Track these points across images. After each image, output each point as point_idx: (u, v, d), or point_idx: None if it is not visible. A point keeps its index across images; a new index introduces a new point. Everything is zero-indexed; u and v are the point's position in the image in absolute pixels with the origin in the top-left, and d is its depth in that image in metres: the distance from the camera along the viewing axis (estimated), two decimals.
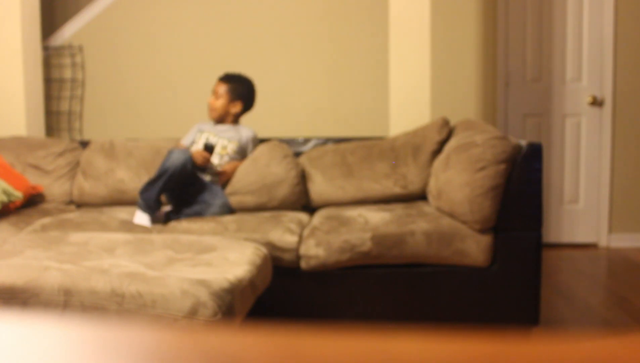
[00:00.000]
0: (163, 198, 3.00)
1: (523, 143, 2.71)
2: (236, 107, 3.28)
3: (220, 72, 4.25)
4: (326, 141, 3.47)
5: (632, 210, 4.35)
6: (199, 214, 2.96)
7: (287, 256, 2.69)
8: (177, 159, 2.88)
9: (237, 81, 3.30)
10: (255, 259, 2.22)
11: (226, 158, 3.21)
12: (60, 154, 3.49)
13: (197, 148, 3.18)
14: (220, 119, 3.30)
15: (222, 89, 3.27)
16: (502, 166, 2.62)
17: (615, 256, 4.13)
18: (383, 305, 2.72)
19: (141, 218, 2.89)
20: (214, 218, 2.93)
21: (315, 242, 2.68)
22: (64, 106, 4.30)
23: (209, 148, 3.10)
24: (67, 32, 4.25)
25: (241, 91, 3.28)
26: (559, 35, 4.34)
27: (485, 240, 2.66)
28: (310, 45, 4.22)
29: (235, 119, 3.32)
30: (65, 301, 1.86)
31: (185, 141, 3.32)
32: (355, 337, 0.42)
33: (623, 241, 4.34)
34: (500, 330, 2.69)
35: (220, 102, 3.27)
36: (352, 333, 0.42)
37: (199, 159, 3.05)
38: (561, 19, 4.33)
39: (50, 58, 4.26)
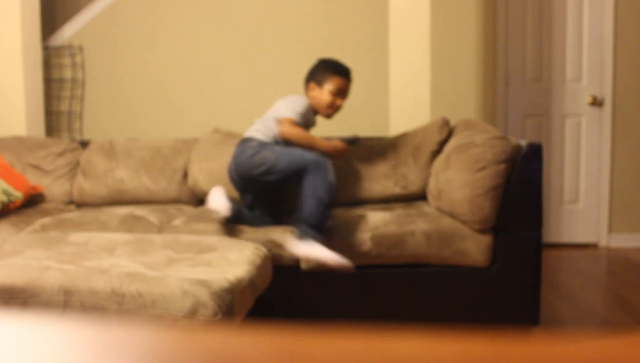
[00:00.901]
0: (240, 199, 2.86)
1: (523, 143, 2.71)
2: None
3: (220, 72, 4.27)
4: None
5: (632, 210, 4.35)
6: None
7: (288, 254, 2.68)
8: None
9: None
10: (255, 259, 2.22)
11: None
12: (60, 154, 3.49)
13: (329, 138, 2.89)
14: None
15: (349, 87, 2.91)
16: (502, 166, 2.62)
17: (615, 256, 4.13)
18: (383, 305, 2.72)
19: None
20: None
21: None
22: (64, 106, 4.30)
23: (353, 142, 2.80)
24: (67, 32, 4.25)
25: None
26: (559, 35, 4.34)
27: (485, 240, 2.66)
28: (310, 45, 4.21)
29: None
30: (65, 301, 1.86)
31: (298, 119, 2.79)
32: (355, 337, 0.42)
33: (623, 241, 4.34)
34: (500, 330, 2.69)
35: (343, 103, 2.91)
36: (352, 333, 0.42)
37: (340, 154, 2.81)
38: (561, 19, 4.33)
39: (50, 58, 4.26)
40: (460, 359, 0.38)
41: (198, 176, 3.25)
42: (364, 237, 2.67)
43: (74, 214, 3.03)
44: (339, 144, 2.77)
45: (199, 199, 3.30)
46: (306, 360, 0.39)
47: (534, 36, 4.36)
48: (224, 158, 3.12)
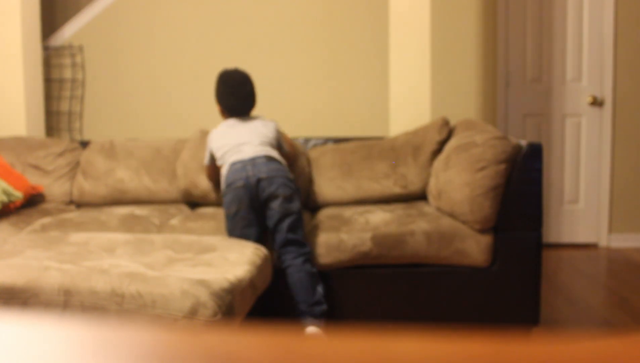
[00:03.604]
0: None
1: (523, 142, 2.71)
2: (219, 110, 2.93)
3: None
4: (326, 141, 3.47)
5: (632, 210, 4.35)
6: None
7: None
8: None
9: (217, 79, 2.92)
10: (255, 259, 2.22)
11: None
12: (60, 154, 3.49)
13: None
14: None
15: None
16: (502, 166, 2.62)
17: (615, 256, 4.13)
18: (383, 305, 2.72)
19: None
20: (215, 216, 2.92)
21: (315, 242, 2.68)
22: (64, 106, 4.30)
23: None
24: (67, 32, 4.25)
25: (215, 90, 2.91)
26: (559, 35, 4.34)
27: (485, 240, 2.66)
28: (310, 45, 4.22)
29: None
30: (65, 301, 1.86)
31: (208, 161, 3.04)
32: (355, 337, 0.42)
33: (623, 241, 4.34)
34: (500, 330, 2.69)
35: None
36: (352, 333, 0.42)
37: None
38: (561, 19, 4.33)
39: (50, 58, 4.26)
40: (460, 359, 0.38)
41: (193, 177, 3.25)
42: (364, 237, 2.67)
43: (74, 214, 3.03)
44: None
45: (192, 202, 3.28)
46: (306, 360, 0.39)
47: (534, 36, 4.36)
48: None
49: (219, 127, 2.87)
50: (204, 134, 3.35)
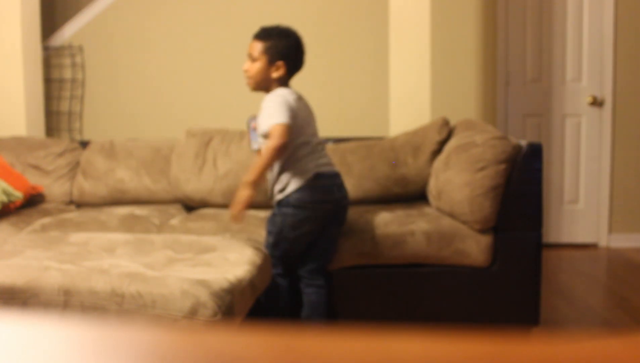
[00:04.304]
0: None
1: (523, 143, 2.71)
2: (279, 71, 2.50)
3: (220, 72, 4.27)
4: (326, 141, 3.47)
5: (632, 210, 4.35)
6: None
7: None
8: None
9: (279, 35, 2.51)
10: (255, 259, 2.22)
11: (260, 144, 2.54)
12: (60, 155, 3.49)
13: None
14: (259, 89, 2.55)
15: (258, 49, 2.49)
16: (502, 166, 2.62)
17: (615, 256, 4.13)
18: (383, 305, 2.72)
19: None
20: (215, 216, 2.92)
21: None
22: (64, 106, 4.29)
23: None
24: (67, 32, 4.25)
25: (282, 48, 2.50)
26: (559, 35, 4.34)
27: (485, 240, 2.66)
28: (310, 45, 4.21)
29: (278, 86, 2.51)
30: (65, 301, 1.86)
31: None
32: (355, 337, 0.42)
33: (623, 241, 4.34)
34: (500, 330, 2.69)
35: (256, 67, 2.50)
36: (352, 333, 0.42)
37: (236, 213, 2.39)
38: (561, 19, 4.33)
39: (50, 58, 4.26)
40: (460, 359, 0.38)
41: (185, 185, 3.25)
42: (364, 237, 2.67)
43: (74, 214, 3.03)
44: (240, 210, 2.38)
45: (188, 206, 3.28)
46: (306, 360, 0.39)
47: (534, 36, 4.36)
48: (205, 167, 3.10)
49: (288, 93, 2.47)
50: (190, 135, 3.35)
